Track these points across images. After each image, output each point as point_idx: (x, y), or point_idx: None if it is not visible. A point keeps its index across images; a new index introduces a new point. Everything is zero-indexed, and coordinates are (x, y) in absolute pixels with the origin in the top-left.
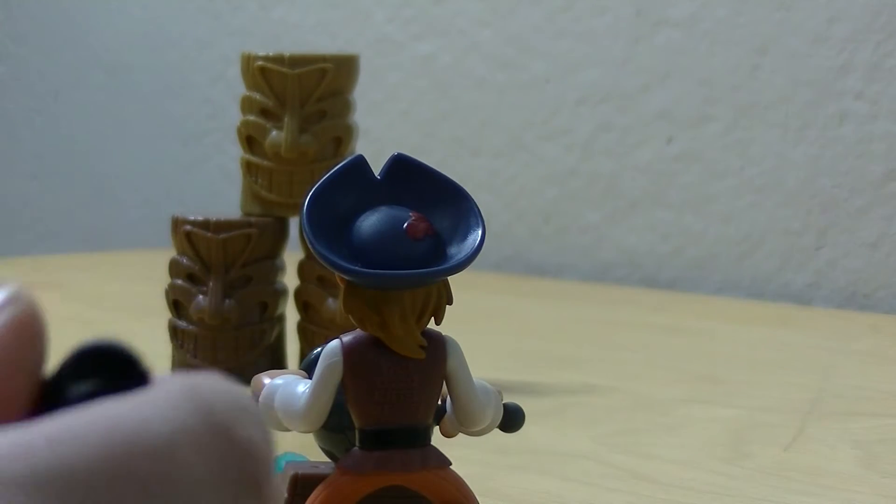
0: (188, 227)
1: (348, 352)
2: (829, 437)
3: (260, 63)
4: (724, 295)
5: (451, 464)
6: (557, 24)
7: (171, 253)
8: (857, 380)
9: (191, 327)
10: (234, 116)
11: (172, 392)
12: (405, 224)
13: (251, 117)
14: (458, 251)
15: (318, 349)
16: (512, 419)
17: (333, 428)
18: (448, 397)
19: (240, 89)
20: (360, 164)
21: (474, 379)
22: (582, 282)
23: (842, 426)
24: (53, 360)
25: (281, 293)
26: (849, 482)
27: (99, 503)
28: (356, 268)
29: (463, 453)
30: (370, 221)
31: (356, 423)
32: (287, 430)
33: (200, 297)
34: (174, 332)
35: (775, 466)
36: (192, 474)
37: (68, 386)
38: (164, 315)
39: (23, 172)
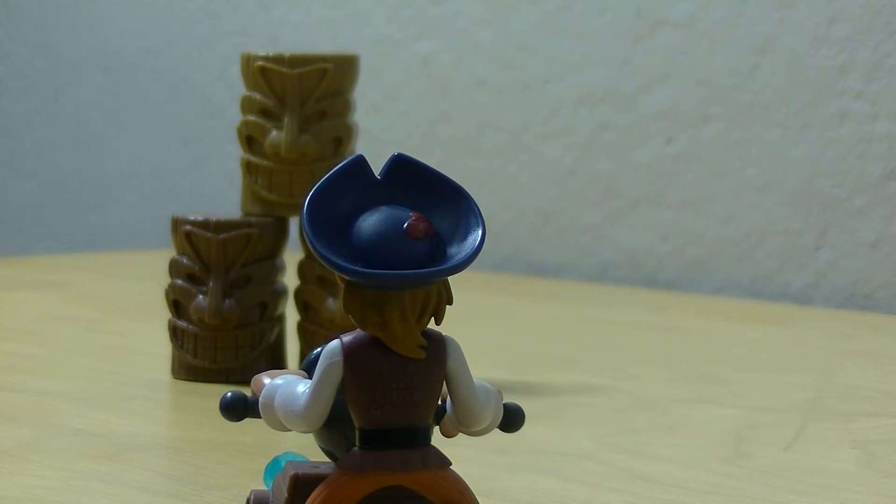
0: (188, 227)
1: (348, 352)
2: (829, 437)
3: (260, 63)
4: (724, 295)
5: (451, 464)
6: (557, 24)
7: (171, 253)
8: (857, 380)
9: (191, 327)
10: (234, 116)
11: None
12: (405, 224)
13: (251, 117)
14: (458, 251)
15: (318, 349)
16: (512, 419)
17: (333, 428)
18: (448, 397)
19: (240, 89)
20: (360, 164)
21: (474, 379)
22: (582, 282)
23: (842, 426)
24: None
25: (281, 293)
26: (849, 482)
27: None
28: (356, 268)
29: (463, 453)
30: (370, 221)
31: (356, 423)
32: (287, 430)
33: (200, 297)
34: (174, 332)
35: (775, 466)
36: None
37: None
38: (164, 315)
39: (23, 172)
